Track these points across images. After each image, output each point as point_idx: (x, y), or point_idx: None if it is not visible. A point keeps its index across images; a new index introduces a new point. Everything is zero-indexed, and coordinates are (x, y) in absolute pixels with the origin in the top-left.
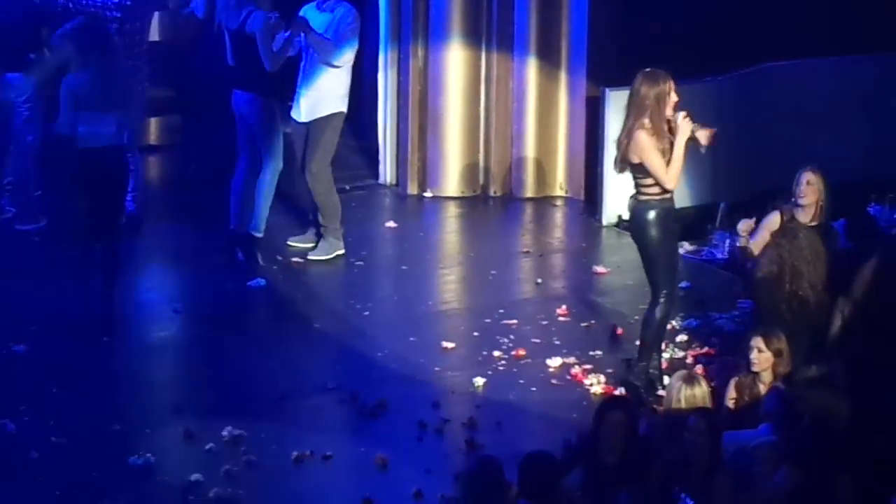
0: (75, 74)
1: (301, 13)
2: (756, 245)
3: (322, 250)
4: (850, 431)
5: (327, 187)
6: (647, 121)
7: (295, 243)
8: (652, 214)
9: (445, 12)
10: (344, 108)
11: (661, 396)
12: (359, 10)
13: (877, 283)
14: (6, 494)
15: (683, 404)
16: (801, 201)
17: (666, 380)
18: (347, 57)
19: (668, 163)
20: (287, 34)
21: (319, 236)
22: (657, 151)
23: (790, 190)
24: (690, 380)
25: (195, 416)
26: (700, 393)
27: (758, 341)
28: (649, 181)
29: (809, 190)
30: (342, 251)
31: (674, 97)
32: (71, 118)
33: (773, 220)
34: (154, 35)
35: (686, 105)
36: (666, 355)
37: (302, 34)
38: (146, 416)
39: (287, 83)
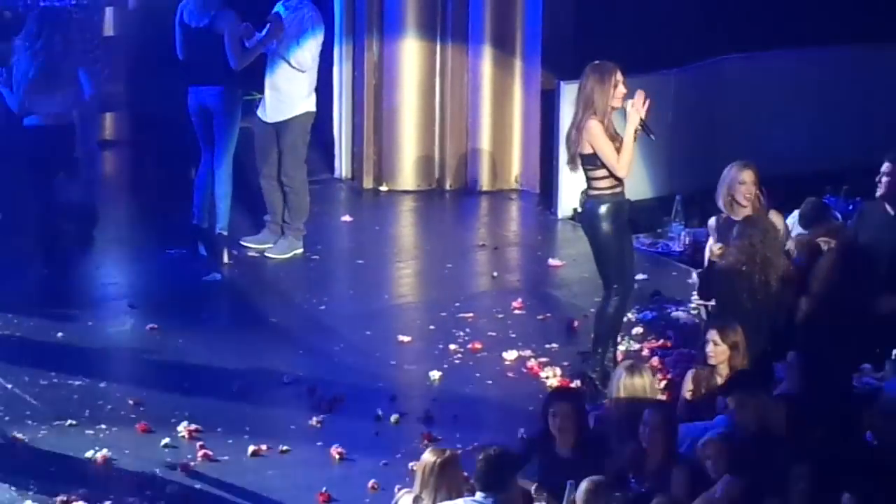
0: (24, 56)
1: (275, 10)
2: (718, 249)
3: (281, 248)
4: (791, 433)
5: (301, 187)
6: (596, 112)
7: (248, 243)
8: (603, 209)
9: (400, 6)
10: (312, 108)
11: None
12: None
13: (835, 276)
14: None
15: (623, 393)
16: (742, 200)
17: None
18: (303, 57)
19: (618, 151)
20: (261, 35)
21: (278, 235)
22: (608, 139)
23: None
24: (632, 369)
25: (152, 411)
26: (640, 383)
27: (713, 334)
28: (600, 174)
29: (744, 189)
30: (300, 250)
31: (622, 88)
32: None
33: (712, 226)
34: (108, 30)
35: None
36: (622, 347)
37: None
38: (103, 411)
39: (250, 78)
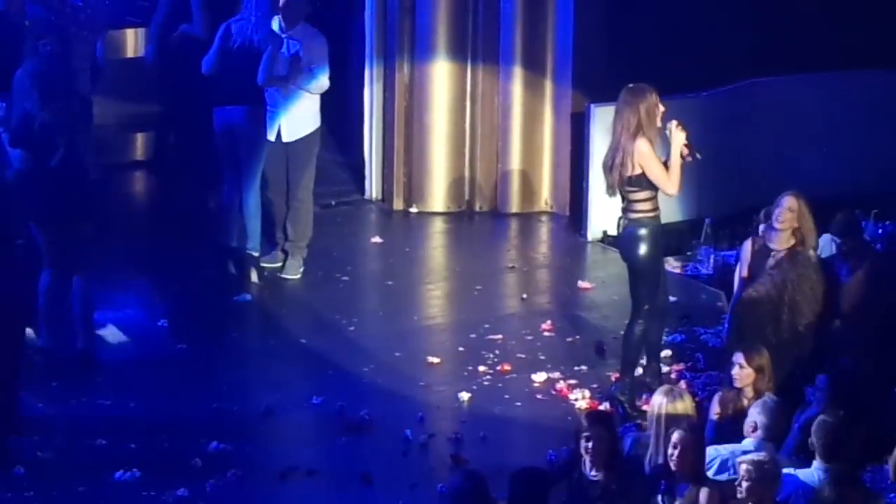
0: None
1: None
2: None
3: (293, 268)
4: None
5: (309, 206)
6: (645, 133)
7: (266, 263)
8: (643, 232)
9: (431, 28)
10: (319, 123)
11: (646, 411)
12: (341, 28)
13: (864, 299)
14: None
15: (665, 420)
16: (776, 224)
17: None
18: (322, 83)
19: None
20: (284, 72)
21: (286, 253)
22: (657, 159)
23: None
24: (672, 394)
25: (181, 431)
26: (682, 407)
27: (739, 357)
28: (643, 196)
29: (788, 216)
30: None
31: (661, 108)
32: None
33: (747, 249)
34: (139, 51)
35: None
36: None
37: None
38: (132, 431)
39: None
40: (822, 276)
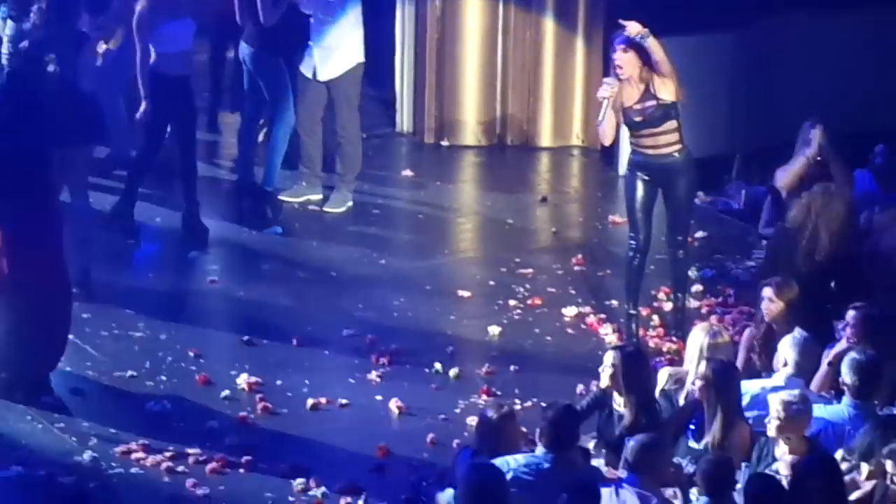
0: None
1: None
2: (785, 183)
3: (337, 201)
4: None
5: (357, 140)
6: None
7: (287, 197)
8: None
9: None
10: (362, 59)
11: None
12: None
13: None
14: None
15: (707, 354)
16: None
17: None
18: (350, 19)
19: None
20: None
21: (318, 187)
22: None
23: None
24: (712, 331)
25: (212, 364)
26: (723, 342)
27: (769, 291)
28: None
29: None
30: (351, 203)
31: (615, 57)
32: None
33: (803, 164)
34: None
35: (704, 56)
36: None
37: None
38: (163, 363)
39: (293, 37)
40: (849, 210)
